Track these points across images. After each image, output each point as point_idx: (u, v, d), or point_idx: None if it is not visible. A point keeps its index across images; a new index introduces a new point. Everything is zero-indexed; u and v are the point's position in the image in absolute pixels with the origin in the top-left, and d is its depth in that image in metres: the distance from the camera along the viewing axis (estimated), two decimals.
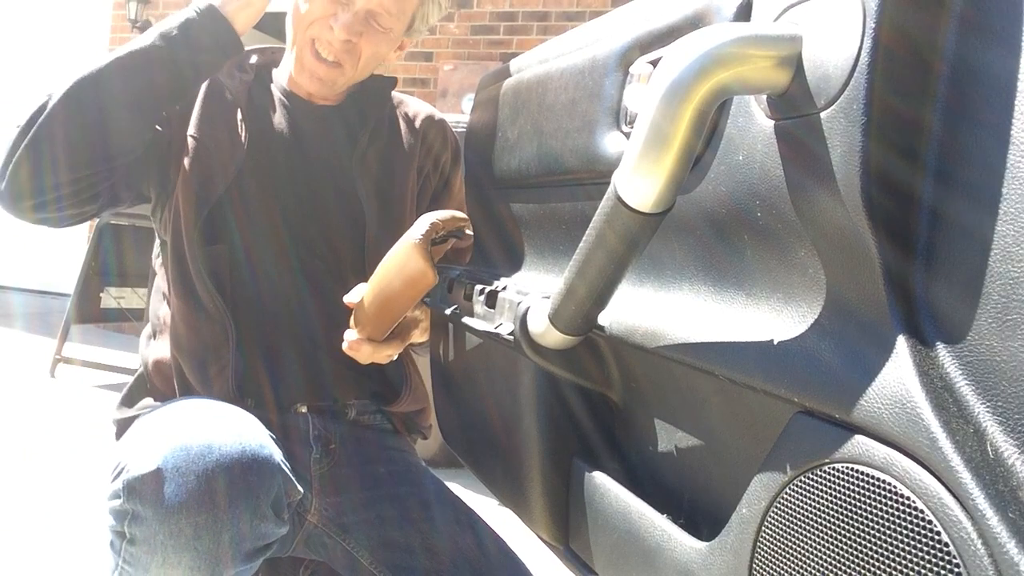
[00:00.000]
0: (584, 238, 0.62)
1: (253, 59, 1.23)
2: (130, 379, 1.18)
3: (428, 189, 1.30)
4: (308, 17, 1.12)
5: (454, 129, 1.40)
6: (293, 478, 0.92)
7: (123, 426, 1.12)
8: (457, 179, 1.34)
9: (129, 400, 1.16)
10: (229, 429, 0.87)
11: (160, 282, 1.19)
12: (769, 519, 0.54)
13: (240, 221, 1.13)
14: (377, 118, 1.24)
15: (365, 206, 1.19)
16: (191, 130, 1.14)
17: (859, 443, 0.47)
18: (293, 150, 1.19)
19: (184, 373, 1.10)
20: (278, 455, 0.90)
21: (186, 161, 1.11)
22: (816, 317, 0.53)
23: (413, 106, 1.33)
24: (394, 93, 1.33)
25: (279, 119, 1.20)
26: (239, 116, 1.15)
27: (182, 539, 0.80)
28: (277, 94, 1.22)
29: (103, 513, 0.88)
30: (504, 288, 0.86)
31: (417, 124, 1.29)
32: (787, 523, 0.52)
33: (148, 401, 1.14)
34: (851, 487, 0.47)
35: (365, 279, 1.12)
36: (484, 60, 5.51)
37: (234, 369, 1.09)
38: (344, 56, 1.14)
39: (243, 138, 1.14)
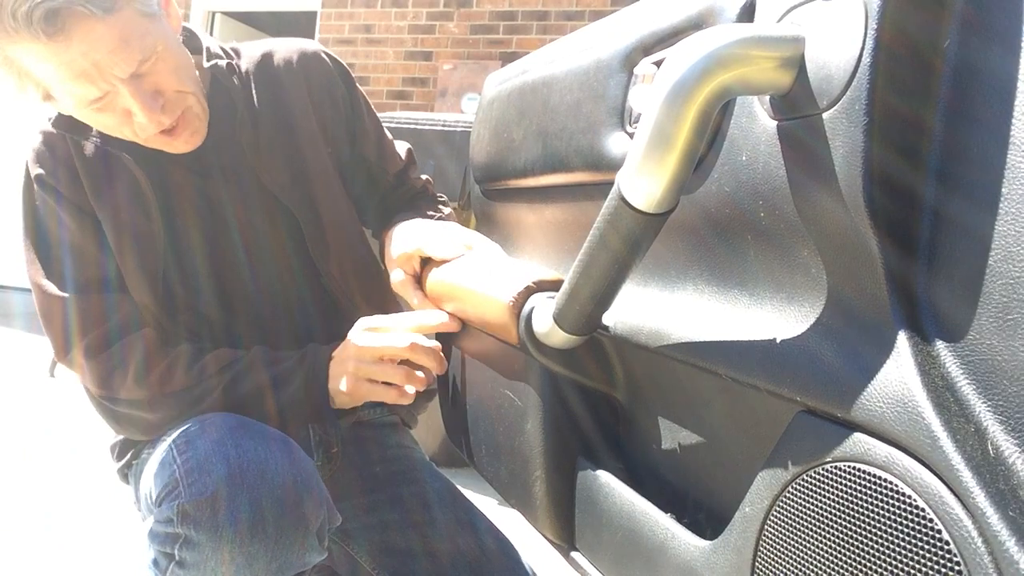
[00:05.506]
0: (588, 238, 0.63)
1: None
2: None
3: (339, 127, 1.17)
4: (113, 131, 0.98)
5: (455, 129, 1.37)
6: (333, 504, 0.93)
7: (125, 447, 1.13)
8: (360, 100, 1.20)
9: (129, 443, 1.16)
10: (280, 454, 0.87)
11: None
12: (772, 518, 0.54)
13: (188, 280, 1.07)
14: (245, 100, 1.09)
15: (291, 207, 1.10)
16: (104, 216, 1.03)
17: (861, 442, 0.47)
18: (197, 191, 1.08)
19: None
20: (322, 483, 0.90)
21: (118, 249, 1.03)
22: (818, 317, 0.53)
23: (283, 51, 1.15)
24: (254, 45, 1.15)
25: (166, 164, 1.06)
26: (135, 182, 1.04)
27: (233, 567, 0.82)
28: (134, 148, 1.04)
29: (146, 532, 0.88)
30: None
31: (295, 67, 1.14)
32: (790, 522, 0.53)
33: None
34: (853, 486, 0.48)
35: (315, 272, 1.10)
36: (484, 59, 5.50)
37: None
38: (173, 114, 0.97)
39: (152, 205, 1.04)
